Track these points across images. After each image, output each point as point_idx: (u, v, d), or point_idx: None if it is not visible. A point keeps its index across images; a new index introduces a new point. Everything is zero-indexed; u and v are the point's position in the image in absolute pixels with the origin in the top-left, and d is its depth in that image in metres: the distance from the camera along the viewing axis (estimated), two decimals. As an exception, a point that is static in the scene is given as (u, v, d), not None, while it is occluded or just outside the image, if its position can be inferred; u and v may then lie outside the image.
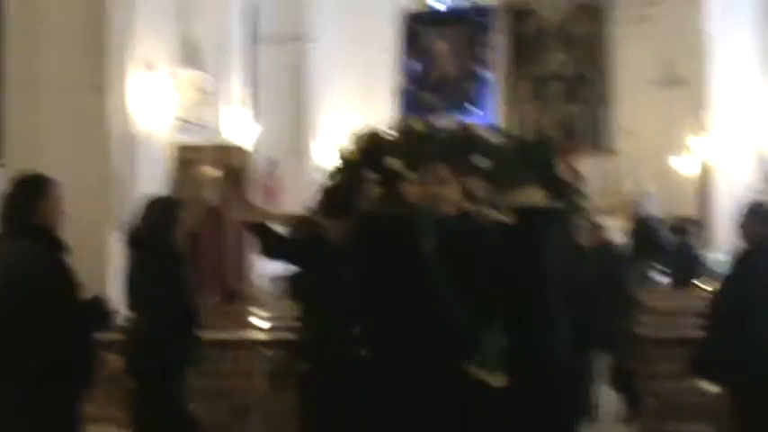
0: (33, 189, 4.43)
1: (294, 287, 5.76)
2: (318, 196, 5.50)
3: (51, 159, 8.94)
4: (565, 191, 5.71)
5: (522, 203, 5.01)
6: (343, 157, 6.03)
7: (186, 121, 11.21)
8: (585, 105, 21.68)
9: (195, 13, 11.98)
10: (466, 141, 5.82)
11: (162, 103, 10.15)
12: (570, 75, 22.58)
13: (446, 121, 6.17)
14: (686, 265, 11.20)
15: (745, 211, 5.65)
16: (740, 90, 16.76)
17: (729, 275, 5.68)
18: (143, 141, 9.80)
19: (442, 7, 5.82)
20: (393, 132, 6.09)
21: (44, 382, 4.15)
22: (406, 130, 6.09)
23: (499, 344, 4.46)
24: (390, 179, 5.56)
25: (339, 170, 6.02)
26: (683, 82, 19.73)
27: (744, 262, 5.53)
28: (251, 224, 5.33)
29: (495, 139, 5.88)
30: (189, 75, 11.42)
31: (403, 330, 4.45)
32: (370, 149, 5.90)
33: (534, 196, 5.14)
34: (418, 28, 5.53)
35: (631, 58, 21.29)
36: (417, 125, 6.06)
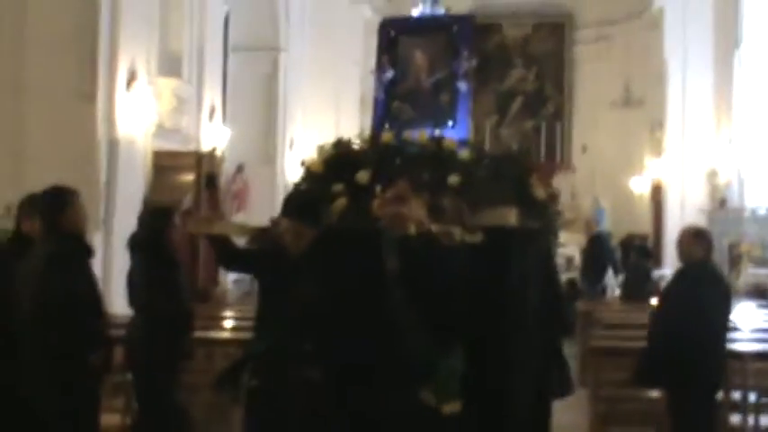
0: (55, 200, 4.94)
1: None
2: (283, 206, 5.14)
3: (38, 162, 9.40)
4: (540, 210, 5.54)
5: (493, 223, 4.87)
6: (308, 168, 5.82)
7: (164, 128, 11.63)
8: (545, 121, 22.36)
9: (175, 23, 12.42)
10: (437, 156, 5.61)
11: (143, 111, 10.59)
12: (530, 91, 23.30)
13: (417, 134, 5.86)
14: (635, 279, 11.78)
15: (682, 233, 6.25)
16: (694, 114, 17.44)
17: (666, 292, 6.30)
18: (125, 147, 10.24)
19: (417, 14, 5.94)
20: (361, 144, 5.89)
21: (68, 367, 4.72)
22: (374, 142, 5.87)
23: (457, 369, 4.29)
24: (357, 192, 5.36)
25: (304, 180, 5.84)
26: (640, 103, 20.47)
27: (679, 279, 6.14)
28: (210, 236, 5.04)
29: (467, 154, 5.63)
30: (168, 83, 11.85)
31: (357, 352, 4.31)
32: (337, 161, 5.68)
33: (506, 216, 5.02)
34: (394, 35, 5.59)
35: (591, 78, 22.01)
36: (387, 137, 5.84)
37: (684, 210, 17.03)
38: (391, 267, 4.30)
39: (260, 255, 5.09)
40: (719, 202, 16.12)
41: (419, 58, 6.75)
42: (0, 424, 4.90)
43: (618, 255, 14.76)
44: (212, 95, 13.48)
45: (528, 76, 23.46)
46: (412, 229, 4.45)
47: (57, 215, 4.91)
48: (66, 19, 9.79)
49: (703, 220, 16.09)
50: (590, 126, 21.81)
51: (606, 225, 17.87)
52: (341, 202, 5.32)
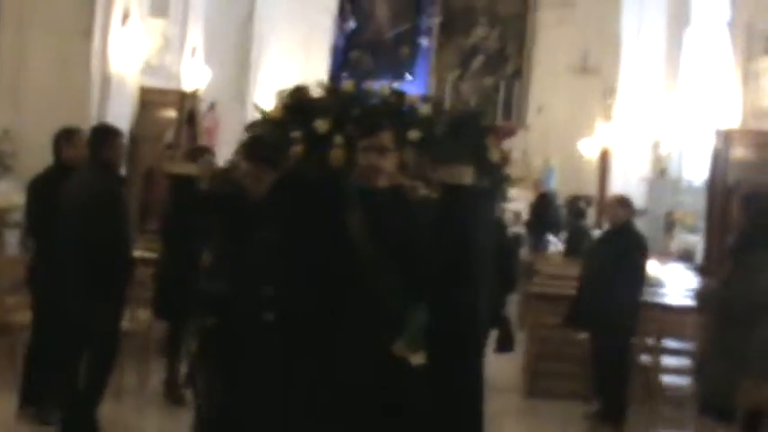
0: (102, 136, 5.85)
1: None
2: (242, 149, 5.10)
3: (36, 94, 10.19)
4: (492, 171, 5.63)
5: (450, 180, 4.78)
6: (265, 113, 5.79)
7: (151, 66, 12.38)
8: (504, 80, 23.22)
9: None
10: (397, 110, 5.57)
11: (134, 49, 11.36)
12: (492, 50, 24.13)
13: (376, 85, 5.84)
14: (575, 237, 12.84)
15: (611, 198, 7.32)
16: (644, 84, 18.44)
17: (592, 249, 7.43)
18: (117, 83, 11.02)
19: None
20: (321, 91, 5.80)
21: (97, 276, 5.60)
22: (334, 91, 5.78)
23: (425, 321, 4.25)
24: (314, 140, 5.36)
25: (261, 124, 5.78)
26: (595, 70, 21.39)
27: (603, 239, 7.24)
28: (171, 175, 5.21)
29: (426, 110, 5.64)
30: (156, 23, 12.58)
31: (321, 298, 4.22)
32: (296, 107, 5.59)
33: (463, 174, 4.90)
34: None
35: (551, 42, 22.85)
36: (347, 86, 5.76)
37: (628, 176, 18.11)
38: (355, 216, 4.22)
39: (220, 197, 4.95)
40: (660, 172, 17.22)
41: (382, 9, 6.78)
42: (48, 333, 5.81)
43: (563, 213, 15.86)
44: (194, 35, 14.19)
45: (491, 35, 24.18)
46: (383, 182, 4.34)
47: (100, 149, 5.80)
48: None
49: (644, 187, 17.27)
50: (547, 88, 22.63)
51: (554, 184, 18.98)
52: (298, 149, 5.31)
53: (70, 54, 10.39)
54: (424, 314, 4.24)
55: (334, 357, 4.21)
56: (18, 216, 9.88)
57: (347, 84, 5.81)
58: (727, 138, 12.19)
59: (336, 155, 5.20)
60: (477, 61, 24.01)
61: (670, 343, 7.31)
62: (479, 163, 5.37)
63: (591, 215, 16.80)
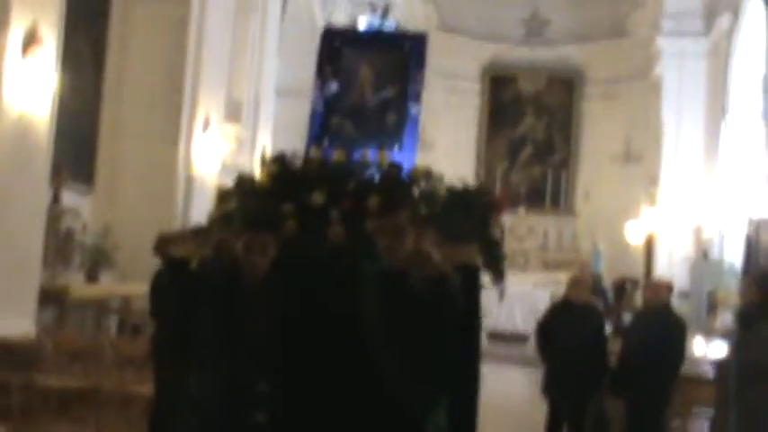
0: None
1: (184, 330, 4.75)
2: (233, 221, 4.74)
3: (129, 193, 11.47)
4: (494, 251, 5.22)
5: (461, 261, 4.50)
6: (245, 182, 5.31)
7: (226, 166, 13.65)
8: (551, 169, 24.21)
9: (238, 75, 14.48)
10: (398, 183, 5.11)
11: (214, 153, 12.65)
12: (540, 140, 25.15)
13: (366, 156, 5.39)
14: (621, 318, 13.65)
15: (653, 280, 8.27)
16: (685, 171, 19.31)
17: (634, 326, 8.40)
18: (198, 183, 12.28)
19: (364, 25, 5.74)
20: (306, 161, 5.35)
21: None
22: (322, 162, 5.32)
23: (443, 426, 3.86)
24: (309, 215, 4.85)
25: (242, 194, 5.25)
26: (638, 159, 22.36)
27: (644, 317, 8.21)
28: (169, 257, 4.67)
29: (430, 184, 5.24)
30: (231, 128, 13.90)
31: (325, 397, 3.78)
32: (284, 178, 5.13)
33: (473, 254, 4.75)
34: (339, 45, 5.27)
35: (596, 132, 23.90)
36: (338, 156, 5.36)
37: (672, 259, 18.91)
38: (369, 303, 3.82)
39: (213, 279, 4.36)
40: (702, 255, 18.01)
41: (365, 72, 6.06)
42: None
43: (610, 293, 16.71)
44: (264, 137, 15.51)
45: (538, 126, 25.25)
46: (428, 270, 3.93)
47: None
48: (157, 77, 11.88)
49: (687, 269, 18.07)
50: (593, 176, 23.61)
51: (601, 268, 19.83)
52: (292, 225, 4.81)
53: (159, 159, 11.69)
54: (443, 417, 3.86)
55: None
56: (117, 303, 11.11)
57: (338, 154, 5.37)
58: (758, 226, 13.06)
59: (336, 231, 4.71)
60: (526, 151, 25.08)
61: (702, 410, 8.17)
62: (483, 241, 5.12)
63: (637, 297, 17.66)
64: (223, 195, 5.48)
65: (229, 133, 13.85)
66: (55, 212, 9.74)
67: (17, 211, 8.20)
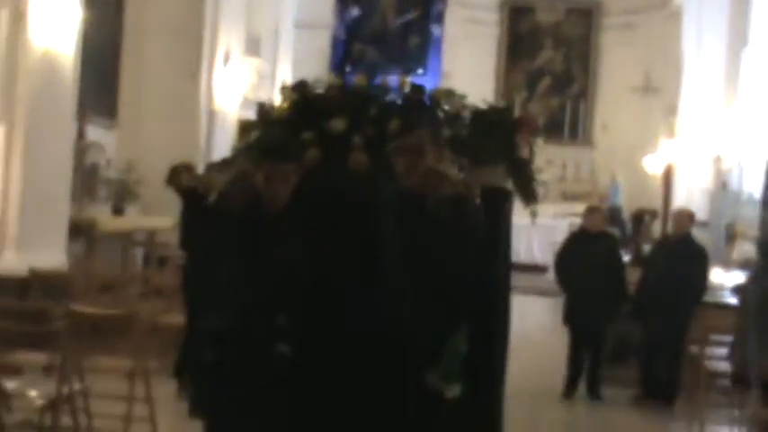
0: None
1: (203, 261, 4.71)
2: (253, 151, 4.61)
3: (152, 128, 11.60)
4: (523, 172, 5.01)
5: (486, 183, 4.37)
6: (267, 112, 5.14)
7: (247, 100, 13.74)
8: (570, 100, 24.15)
9: (257, 9, 14.49)
10: (419, 107, 4.93)
11: (235, 87, 12.73)
12: (558, 71, 25.05)
13: (390, 79, 5.17)
14: (639, 248, 13.78)
15: (679, 210, 8.38)
16: (705, 102, 19.22)
17: (656, 254, 8.53)
18: (220, 117, 12.39)
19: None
20: (327, 87, 5.10)
21: None
22: (343, 87, 5.11)
23: (461, 349, 3.76)
24: (330, 143, 4.68)
25: (261, 124, 5.10)
26: (657, 89, 22.25)
27: (666, 246, 8.33)
28: (182, 188, 4.46)
29: (452, 106, 5.02)
30: (251, 62, 13.97)
31: (343, 326, 3.72)
32: (304, 105, 4.94)
33: (498, 176, 4.57)
34: None
35: (614, 63, 23.78)
36: (359, 81, 5.12)
37: (691, 190, 18.93)
38: (388, 230, 3.74)
39: (233, 211, 4.26)
40: (721, 185, 18.03)
41: None
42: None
43: (629, 227, 16.83)
44: (284, 70, 15.56)
45: (557, 57, 25.14)
46: (445, 190, 3.80)
47: None
48: (178, 12, 11.93)
49: (706, 200, 18.13)
50: (611, 107, 23.57)
51: (620, 200, 19.89)
52: (313, 153, 4.64)
53: (181, 93, 11.79)
54: (463, 341, 3.78)
55: (358, 393, 3.69)
56: (142, 236, 11.31)
57: (359, 79, 5.16)
58: (780, 153, 13.06)
59: (358, 158, 4.57)
60: (544, 82, 25.01)
61: (719, 337, 8.32)
62: (509, 162, 4.93)
63: (656, 228, 17.79)
64: (245, 127, 5.37)
65: (250, 67, 13.90)
66: (80, 148, 9.88)
67: (45, 148, 8.35)
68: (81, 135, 9.96)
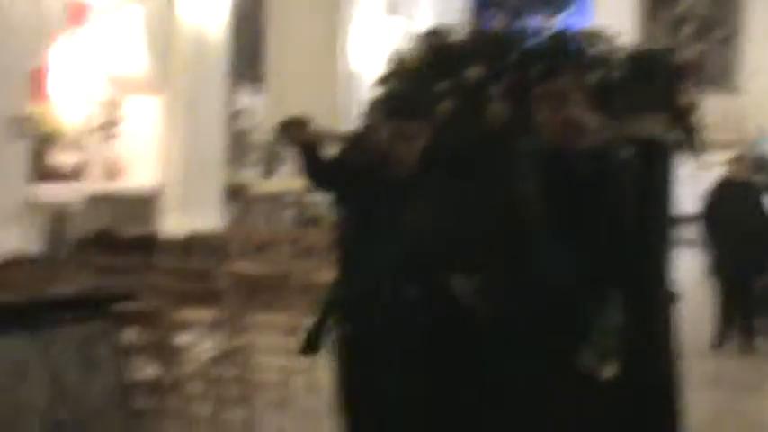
0: None
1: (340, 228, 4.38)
2: (377, 109, 4.28)
3: (297, 92, 11.98)
4: (685, 122, 4.52)
5: (640, 135, 3.92)
6: (401, 62, 4.69)
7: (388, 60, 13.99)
8: (715, 46, 23.40)
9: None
10: (564, 50, 4.49)
11: (374, 48, 12.98)
12: (703, 15, 24.28)
13: (531, 22, 4.66)
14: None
15: None
16: None
17: None
18: (361, 79, 12.67)
19: None
20: (463, 34, 4.66)
21: None
22: (480, 33, 4.67)
23: (617, 323, 3.36)
24: (465, 92, 4.29)
25: (393, 78, 4.67)
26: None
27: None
28: (301, 145, 3.99)
29: (602, 48, 4.51)
30: (391, 21, 14.17)
31: (482, 295, 3.43)
32: (438, 54, 4.54)
33: (656, 126, 4.14)
34: None
35: (763, 4, 22.89)
36: (499, 25, 4.64)
37: None
38: (530, 189, 3.40)
39: (357, 169, 3.90)
40: None
41: None
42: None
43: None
44: (422, 28, 15.69)
45: (699, 1, 24.41)
46: (585, 142, 3.42)
47: None
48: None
49: None
50: (759, 53, 22.77)
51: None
52: (447, 105, 4.25)
53: (323, 56, 12.11)
54: (618, 314, 3.39)
55: (500, 375, 3.43)
56: (291, 197, 11.75)
57: (498, 22, 4.69)
58: None
59: (496, 110, 4.20)
60: (688, 29, 24.31)
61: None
62: (669, 111, 4.46)
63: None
64: (381, 80, 4.90)
65: (390, 26, 14.10)
66: (231, 114, 10.32)
67: (201, 116, 8.82)
68: (231, 102, 10.39)
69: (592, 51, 4.44)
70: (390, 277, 3.58)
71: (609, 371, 3.30)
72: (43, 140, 7.71)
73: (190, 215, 8.62)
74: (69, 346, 3.36)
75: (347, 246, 3.88)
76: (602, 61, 4.40)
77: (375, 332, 3.62)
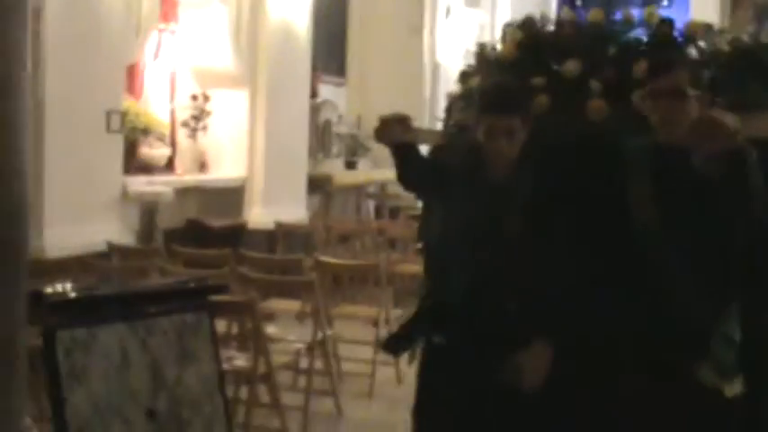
0: None
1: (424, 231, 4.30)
2: (461, 103, 4.14)
3: (378, 83, 12.04)
4: None
5: (760, 134, 3.47)
6: (489, 55, 4.50)
7: (470, 52, 13.95)
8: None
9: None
10: (672, 44, 4.21)
11: (456, 40, 12.97)
12: (792, 3, 23.73)
13: (629, 14, 4.42)
14: None
15: None
16: None
17: None
18: (443, 71, 12.68)
19: None
20: (557, 25, 4.48)
21: None
22: (577, 24, 4.45)
23: (735, 337, 3.18)
24: (562, 86, 4.10)
25: (482, 70, 4.50)
26: None
27: None
28: (395, 145, 3.74)
29: (712, 41, 4.24)
30: (473, 13, 14.15)
31: (586, 304, 3.19)
32: (532, 46, 4.33)
33: None
34: None
35: None
36: (595, 16, 4.42)
37: None
38: (639, 189, 3.21)
39: (450, 169, 3.66)
40: None
41: None
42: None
43: None
44: (503, 20, 15.63)
45: (790, -14, 23.84)
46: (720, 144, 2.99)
47: None
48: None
49: None
50: None
51: None
52: (542, 100, 4.05)
53: (405, 48, 12.16)
54: (736, 328, 3.20)
55: (614, 396, 3.24)
56: (373, 189, 11.84)
57: (594, 13, 4.45)
58: None
59: (597, 106, 3.98)
60: (775, 17, 23.77)
61: None
62: None
63: None
64: (464, 74, 4.76)
65: (471, 18, 14.08)
66: (314, 106, 10.43)
67: (285, 108, 8.94)
68: (314, 94, 10.50)
69: (702, 46, 4.19)
70: (490, 289, 3.30)
71: (733, 388, 3.13)
72: (137, 134, 7.90)
73: (274, 206, 8.77)
74: (167, 337, 3.44)
75: (440, 252, 3.62)
76: (711, 56, 4.15)
77: (467, 345, 3.32)
